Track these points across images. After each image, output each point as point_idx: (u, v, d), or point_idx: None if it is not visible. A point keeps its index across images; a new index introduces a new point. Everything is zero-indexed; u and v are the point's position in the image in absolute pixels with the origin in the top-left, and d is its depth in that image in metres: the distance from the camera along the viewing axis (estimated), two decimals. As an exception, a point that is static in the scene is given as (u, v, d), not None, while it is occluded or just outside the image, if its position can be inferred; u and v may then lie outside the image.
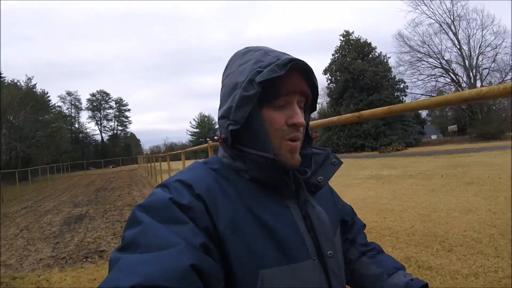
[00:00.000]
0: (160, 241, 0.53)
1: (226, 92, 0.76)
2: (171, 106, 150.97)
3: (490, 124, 31.77)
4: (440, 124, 53.28)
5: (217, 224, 0.62)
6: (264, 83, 0.68)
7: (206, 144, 4.82)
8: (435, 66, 39.76)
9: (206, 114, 77.52)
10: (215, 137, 0.81)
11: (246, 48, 0.81)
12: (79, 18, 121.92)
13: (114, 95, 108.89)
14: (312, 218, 0.74)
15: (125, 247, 0.54)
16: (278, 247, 0.66)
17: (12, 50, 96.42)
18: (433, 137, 48.86)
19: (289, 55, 0.74)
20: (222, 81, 0.81)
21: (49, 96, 51.08)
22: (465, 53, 38.23)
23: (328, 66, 39.48)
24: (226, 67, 0.82)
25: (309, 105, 0.83)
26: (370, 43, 37.74)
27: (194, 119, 78.80)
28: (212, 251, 0.59)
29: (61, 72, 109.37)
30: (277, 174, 0.70)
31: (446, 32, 38.80)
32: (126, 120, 76.61)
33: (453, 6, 38.49)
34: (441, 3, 39.76)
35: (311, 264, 0.69)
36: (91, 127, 74.55)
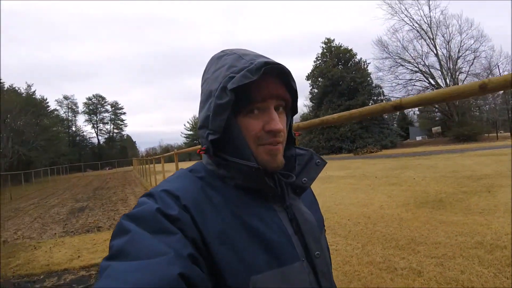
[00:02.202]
0: (149, 250, 0.54)
1: (203, 100, 0.76)
2: (166, 108, 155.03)
3: (465, 127, 33.32)
4: (424, 125, 54.85)
5: (205, 236, 0.62)
6: (238, 89, 0.66)
7: (197, 147, 4.98)
8: (414, 71, 41.44)
9: (200, 116, 78.99)
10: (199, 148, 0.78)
11: (222, 51, 0.79)
12: (72, 20, 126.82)
13: (109, 97, 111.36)
14: (298, 219, 0.74)
15: (114, 255, 0.54)
16: (267, 251, 0.66)
17: (6, 53, 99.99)
18: (418, 138, 50.03)
19: (264, 57, 0.72)
20: (201, 86, 0.79)
21: (47, 102, 53.47)
22: (445, 57, 39.70)
23: (310, 72, 41.47)
24: (204, 71, 0.80)
25: (290, 107, 0.80)
26: (351, 50, 39.75)
27: (188, 122, 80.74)
28: (200, 261, 0.59)
29: (57, 74, 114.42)
30: (262, 181, 0.70)
31: (424, 38, 40.24)
32: (122, 123, 79.56)
33: (430, 11, 39.95)
34: (419, 9, 41.64)
35: (300, 265, 0.70)
36: (88, 130, 77.10)
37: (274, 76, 0.71)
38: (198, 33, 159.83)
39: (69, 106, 72.78)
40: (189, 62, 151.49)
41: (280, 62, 0.70)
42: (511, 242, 4.20)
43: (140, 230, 0.57)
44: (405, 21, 41.13)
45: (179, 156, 7.58)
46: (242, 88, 0.66)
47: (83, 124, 77.59)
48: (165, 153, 11.96)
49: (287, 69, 0.72)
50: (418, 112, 56.39)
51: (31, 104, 40.85)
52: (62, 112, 70.15)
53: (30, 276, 4.62)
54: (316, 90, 40.95)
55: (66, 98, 72.27)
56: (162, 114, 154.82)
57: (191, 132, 77.89)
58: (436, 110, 43.62)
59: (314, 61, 41.75)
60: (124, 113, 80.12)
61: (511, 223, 4.91)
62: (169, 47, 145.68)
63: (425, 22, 40.20)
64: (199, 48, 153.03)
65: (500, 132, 38.61)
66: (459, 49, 39.12)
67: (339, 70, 38.26)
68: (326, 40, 41.12)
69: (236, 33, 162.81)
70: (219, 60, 0.76)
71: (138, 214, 0.61)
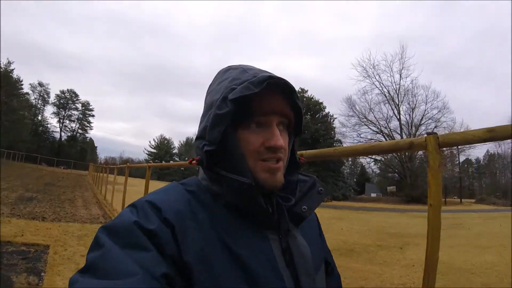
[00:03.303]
0: (118, 268, 0.52)
1: (204, 112, 0.74)
2: (138, 120, 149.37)
3: (415, 189, 35.79)
4: (380, 183, 57.22)
5: (184, 252, 0.59)
6: (240, 102, 0.65)
7: (145, 164, 5.61)
8: (375, 131, 44.35)
9: (167, 137, 77.96)
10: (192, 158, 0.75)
11: (229, 66, 0.78)
12: (77, 10, 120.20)
13: (83, 95, 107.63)
14: (293, 251, 0.69)
15: (86, 269, 0.53)
16: (248, 282, 0.61)
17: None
18: (373, 194, 51.97)
19: (268, 72, 0.71)
20: (204, 100, 0.78)
21: (22, 84, 52.38)
22: (408, 123, 42.82)
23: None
24: (209, 86, 0.79)
25: (293, 127, 0.77)
26: (321, 103, 42.19)
27: (154, 139, 79.69)
28: (175, 281, 0.56)
29: (39, 56, 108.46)
30: (254, 200, 0.65)
31: (390, 103, 43.39)
32: (88, 125, 76.92)
33: (401, 79, 43.20)
34: (390, 75, 44.33)
35: None
36: (53, 123, 73.64)
37: (278, 92, 0.70)
38: (191, 53, 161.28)
39: (41, 94, 70.25)
40: (175, 81, 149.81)
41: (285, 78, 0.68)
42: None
43: (113, 245, 0.56)
44: (375, 85, 44.33)
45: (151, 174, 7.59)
46: (244, 100, 0.65)
47: (49, 116, 74.09)
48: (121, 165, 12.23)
49: (291, 85, 0.70)
50: (378, 171, 59.07)
51: (6, 82, 39.87)
52: (32, 97, 67.64)
53: (-25, 242, 5.21)
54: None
55: (40, 84, 69.64)
56: (133, 125, 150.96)
57: (154, 151, 76.90)
58: (394, 171, 46.01)
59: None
60: (93, 116, 77.81)
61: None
62: (159, 61, 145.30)
63: (393, 89, 43.46)
64: (189, 69, 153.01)
65: (454, 198, 40.81)
66: (422, 117, 42.39)
67: (306, 119, 40.08)
68: (300, 90, 43.26)
69: (228, 62, 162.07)
70: (224, 73, 0.76)
71: (115, 226, 0.59)
